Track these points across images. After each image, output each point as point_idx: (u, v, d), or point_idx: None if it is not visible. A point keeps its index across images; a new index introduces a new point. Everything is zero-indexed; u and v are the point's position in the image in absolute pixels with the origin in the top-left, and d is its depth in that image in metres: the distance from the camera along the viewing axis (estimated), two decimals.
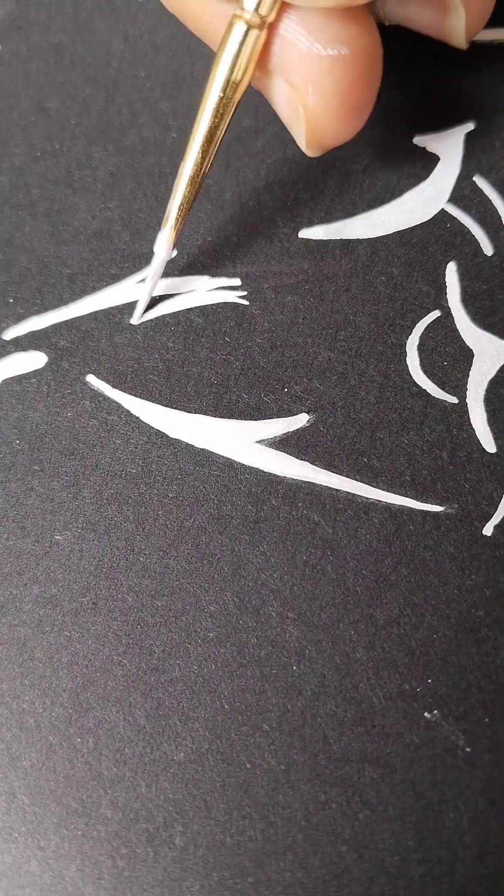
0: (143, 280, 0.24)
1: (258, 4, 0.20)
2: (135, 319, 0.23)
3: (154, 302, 0.23)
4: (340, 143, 0.22)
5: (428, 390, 0.22)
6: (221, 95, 0.21)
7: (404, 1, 0.22)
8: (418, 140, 0.25)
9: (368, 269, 0.23)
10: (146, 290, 0.23)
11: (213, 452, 0.22)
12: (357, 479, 0.21)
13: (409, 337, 0.22)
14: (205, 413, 0.22)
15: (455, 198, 0.24)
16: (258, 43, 0.21)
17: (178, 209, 0.22)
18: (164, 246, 0.23)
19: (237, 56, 0.21)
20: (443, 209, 0.24)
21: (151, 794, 0.19)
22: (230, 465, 0.22)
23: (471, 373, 0.22)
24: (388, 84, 0.25)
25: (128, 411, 0.22)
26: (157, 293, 0.24)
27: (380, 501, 0.21)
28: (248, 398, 0.22)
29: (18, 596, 0.21)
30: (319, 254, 0.24)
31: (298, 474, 0.21)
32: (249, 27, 0.20)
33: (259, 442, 0.22)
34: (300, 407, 0.22)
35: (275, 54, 0.21)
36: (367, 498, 0.21)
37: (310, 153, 0.22)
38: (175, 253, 0.24)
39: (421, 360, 0.22)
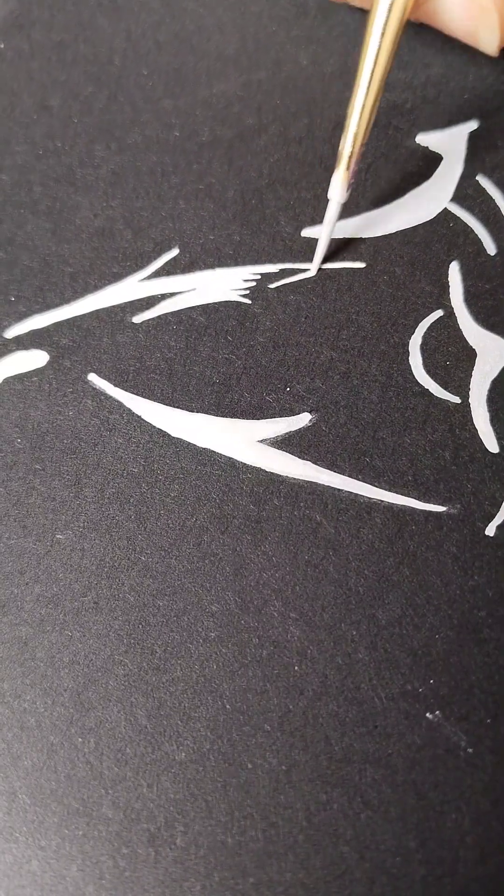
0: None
1: None
2: (312, 270, 0.23)
3: (156, 300, 0.23)
4: None
5: (430, 390, 0.22)
6: (386, 17, 0.21)
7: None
8: (421, 139, 0.25)
9: (371, 269, 0.23)
10: (323, 238, 0.23)
11: (214, 452, 0.22)
12: (359, 479, 0.21)
13: (412, 336, 0.22)
14: (207, 412, 0.22)
15: (458, 197, 0.24)
16: None
17: (351, 146, 0.21)
18: (338, 188, 0.22)
19: None
20: (446, 208, 0.24)
21: (153, 794, 0.19)
22: (232, 464, 0.22)
23: (473, 372, 0.22)
24: (391, 83, 0.25)
25: (129, 410, 0.22)
26: (159, 292, 0.24)
27: (382, 501, 0.21)
28: (251, 397, 0.22)
29: (20, 595, 0.21)
30: None
31: (300, 474, 0.21)
32: None
33: (261, 441, 0.22)
34: (302, 406, 0.22)
35: None
36: (369, 498, 0.21)
37: (498, 51, 0.23)
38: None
39: (423, 360, 0.22)
